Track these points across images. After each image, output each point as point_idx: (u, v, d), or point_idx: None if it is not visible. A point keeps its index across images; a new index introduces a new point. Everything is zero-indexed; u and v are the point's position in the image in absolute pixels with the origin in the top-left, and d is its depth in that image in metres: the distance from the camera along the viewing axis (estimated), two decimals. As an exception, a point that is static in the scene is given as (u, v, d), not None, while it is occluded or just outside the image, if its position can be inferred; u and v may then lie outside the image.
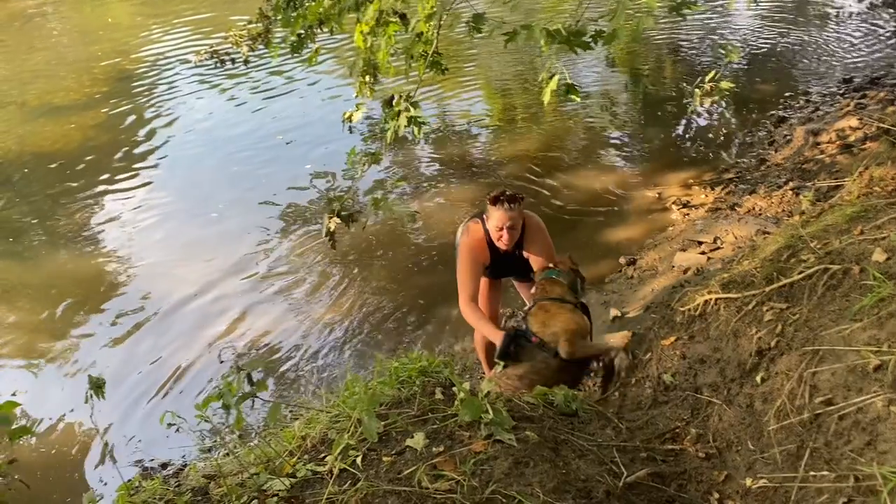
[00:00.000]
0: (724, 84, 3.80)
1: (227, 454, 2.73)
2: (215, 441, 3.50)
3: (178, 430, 2.20)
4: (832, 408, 2.29)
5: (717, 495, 2.39)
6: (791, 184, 5.82)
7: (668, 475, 2.51)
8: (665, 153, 7.22)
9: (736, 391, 2.72)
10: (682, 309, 3.21)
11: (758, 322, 2.79)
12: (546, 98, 2.87)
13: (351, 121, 4.10)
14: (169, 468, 4.21)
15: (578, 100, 3.04)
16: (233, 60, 6.97)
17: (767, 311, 2.78)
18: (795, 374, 2.46)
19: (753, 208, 5.69)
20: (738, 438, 2.57)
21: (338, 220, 3.46)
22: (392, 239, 6.14)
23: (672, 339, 3.13)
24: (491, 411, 2.45)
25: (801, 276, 2.76)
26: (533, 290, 3.66)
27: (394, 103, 3.49)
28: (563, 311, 3.45)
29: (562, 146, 7.65)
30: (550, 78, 2.84)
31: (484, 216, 3.63)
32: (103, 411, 4.47)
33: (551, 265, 3.68)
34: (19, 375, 5.14)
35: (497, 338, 3.43)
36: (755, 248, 3.46)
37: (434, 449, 2.32)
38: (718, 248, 5.24)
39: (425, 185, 7.03)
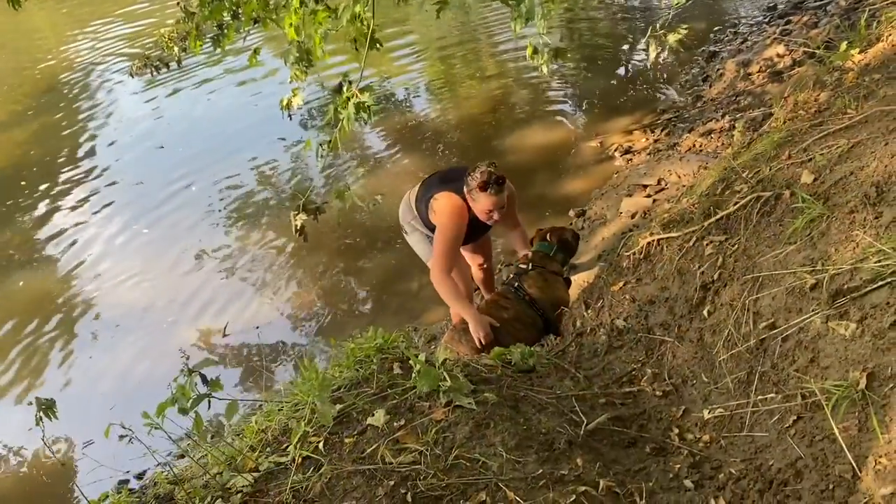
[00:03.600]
0: (672, 37, 3.82)
1: (183, 456, 2.71)
2: (187, 445, 3.47)
3: (130, 441, 2.16)
4: (775, 331, 2.35)
5: (676, 430, 2.45)
6: (727, 117, 5.90)
7: (628, 417, 2.55)
8: (604, 101, 7.26)
9: (686, 327, 2.77)
10: (627, 253, 3.26)
11: (700, 257, 2.84)
12: (545, 69, 2.92)
13: (289, 108, 4.00)
14: (145, 477, 4.16)
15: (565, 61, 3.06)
16: (167, 65, 6.78)
17: (707, 245, 2.83)
18: (739, 303, 2.52)
19: (693, 146, 5.76)
20: (692, 373, 2.63)
21: (304, 216, 3.43)
22: (352, 221, 6.06)
23: (621, 283, 3.18)
24: (448, 378, 2.47)
25: (736, 206, 2.81)
26: (524, 254, 3.83)
27: (344, 90, 3.44)
28: (559, 284, 3.73)
29: (506, 106, 7.65)
30: (535, 50, 2.88)
31: (465, 194, 3.52)
32: (78, 429, 4.44)
33: (548, 239, 3.85)
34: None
35: (470, 317, 3.40)
36: (693, 185, 3.50)
37: (395, 424, 2.33)
38: (663, 189, 5.30)
39: (378, 162, 6.98)
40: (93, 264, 6.24)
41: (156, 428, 2.04)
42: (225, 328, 5.10)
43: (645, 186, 5.41)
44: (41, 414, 2.34)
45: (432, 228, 3.70)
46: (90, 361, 5.17)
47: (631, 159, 5.95)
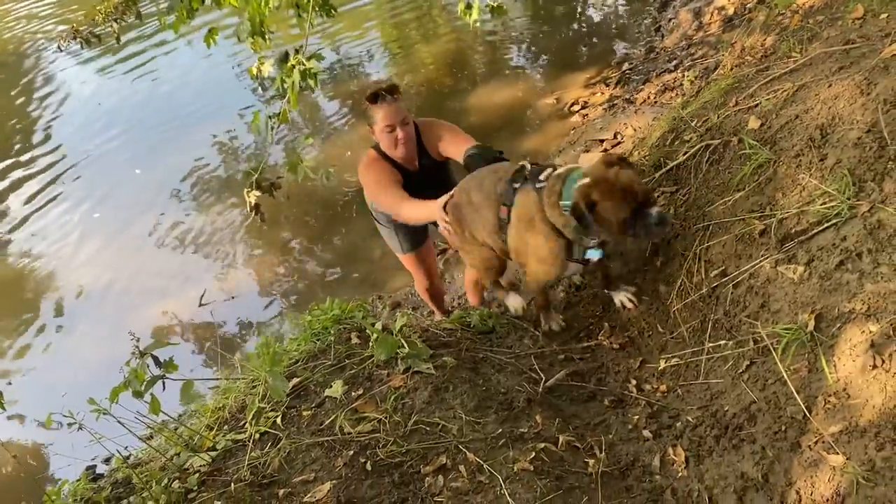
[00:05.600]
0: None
1: (151, 438, 2.67)
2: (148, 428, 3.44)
3: (79, 428, 2.12)
4: (726, 278, 2.37)
5: (634, 381, 2.47)
6: (681, 68, 5.88)
7: (587, 371, 2.57)
8: (559, 57, 7.20)
9: (641, 279, 2.78)
10: (583, 209, 3.24)
11: (652, 209, 2.83)
12: (473, 24, 2.84)
13: (261, 75, 3.86)
14: (111, 462, 4.14)
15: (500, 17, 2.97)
16: (98, 38, 6.50)
17: (659, 196, 2.83)
18: (690, 252, 2.53)
19: (648, 98, 5.74)
20: (647, 324, 2.64)
21: (258, 193, 3.35)
22: (309, 193, 5.97)
23: (577, 240, 3.16)
24: (406, 345, 2.45)
25: (685, 156, 2.80)
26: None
27: (290, 59, 3.34)
28: None
29: (462, 67, 7.54)
30: (468, 6, 2.80)
31: (372, 135, 3.11)
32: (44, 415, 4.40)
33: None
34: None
35: (430, 207, 2.84)
36: (644, 138, 3.49)
37: (353, 394, 2.32)
38: (620, 142, 5.30)
39: (336, 131, 6.86)
40: (46, 250, 6.10)
41: (104, 413, 1.99)
42: (201, 297, 5.06)
43: (602, 141, 5.40)
44: (-10, 406, 2.28)
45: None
46: (56, 345, 5.10)
47: (587, 114, 5.92)
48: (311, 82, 3.24)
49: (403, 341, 2.46)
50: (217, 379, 2.70)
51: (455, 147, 3.10)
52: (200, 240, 5.77)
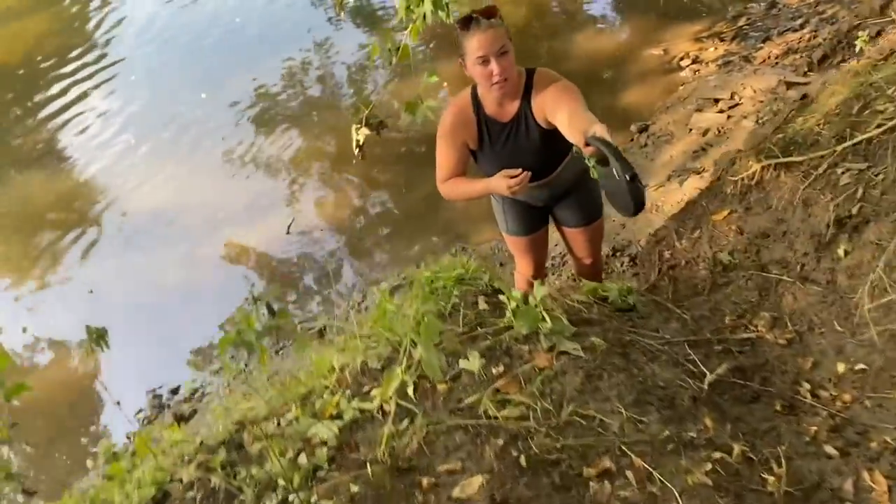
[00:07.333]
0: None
1: (231, 388, 2.45)
2: (232, 371, 3.24)
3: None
4: (941, 280, 2.02)
5: (807, 385, 2.15)
6: (808, 26, 5.36)
7: (749, 368, 2.26)
8: (668, 4, 6.63)
9: (812, 266, 2.44)
10: (732, 179, 2.88)
11: (832, 187, 2.47)
12: None
13: (342, 6, 3.55)
14: (179, 393, 3.98)
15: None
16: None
17: (843, 173, 2.46)
18: (891, 244, 2.17)
19: (769, 57, 5.26)
20: (821, 320, 2.31)
21: (367, 131, 3.08)
22: (415, 136, 5.58)
23: (725, 212, 2.83)
24: (549, 319, 2.16)
25: (880, 129, 2.42)
26: None
27: None
28: None
29: (556, 8, 7.07)
30: None
31: (465, 70, 2.53)
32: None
33: None
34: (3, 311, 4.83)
35: (491, 186, 2.51)
36: (807, 103, 3.09)
37: (493, 370, 2.04)
38: (737, 104, 4.86)
39: (417, 73, 6.48)
40: (112, 164, 5.97)
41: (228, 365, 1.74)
42: (289, 226, 4.87)
43: (717, 101, 4.96)
44: (93, 344, 2.06)
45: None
46: (120, 265, 4.97)
47: (699, 70, 5.45)
48: (443, 14, 2.88)
49: (545, 314, 2.17)
50: (341, 333, 2.41)
51: (563, 114, 2.38)
52: (275, 167, 5.54)
